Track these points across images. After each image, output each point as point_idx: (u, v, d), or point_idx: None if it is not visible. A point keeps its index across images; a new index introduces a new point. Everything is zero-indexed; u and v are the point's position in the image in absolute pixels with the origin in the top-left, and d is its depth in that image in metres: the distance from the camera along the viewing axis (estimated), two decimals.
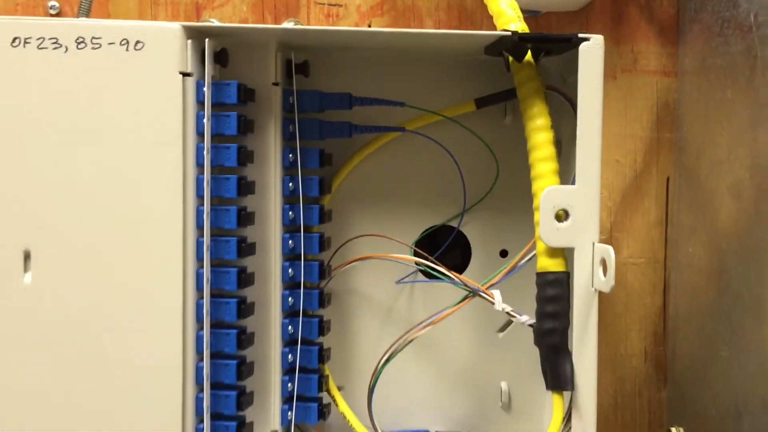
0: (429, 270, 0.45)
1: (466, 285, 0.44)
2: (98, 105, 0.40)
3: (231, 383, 0.42)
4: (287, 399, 0.45)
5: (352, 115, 0.47)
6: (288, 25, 0.52)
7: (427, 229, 0.49)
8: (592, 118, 0.41)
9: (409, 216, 0.49)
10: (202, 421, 0.41)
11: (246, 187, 0.42)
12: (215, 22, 0.44)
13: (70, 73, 0.39)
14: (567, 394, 0.42)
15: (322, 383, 0.46)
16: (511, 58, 0.43)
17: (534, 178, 0.42)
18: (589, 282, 0.41)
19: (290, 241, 0.44)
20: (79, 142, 0.40)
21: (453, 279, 0.44)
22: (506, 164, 0.49)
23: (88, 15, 0.45)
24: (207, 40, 0.40)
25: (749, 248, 0.45)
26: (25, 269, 0.40)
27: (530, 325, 0.43)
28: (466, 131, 0.48)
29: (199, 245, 0.41)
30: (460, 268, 0.49)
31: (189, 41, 0.40)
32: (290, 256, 0.45)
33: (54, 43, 0.39)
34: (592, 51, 0.41)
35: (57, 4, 0.46)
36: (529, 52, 0.43)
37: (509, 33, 0.41)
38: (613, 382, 0.57)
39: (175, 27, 0.40)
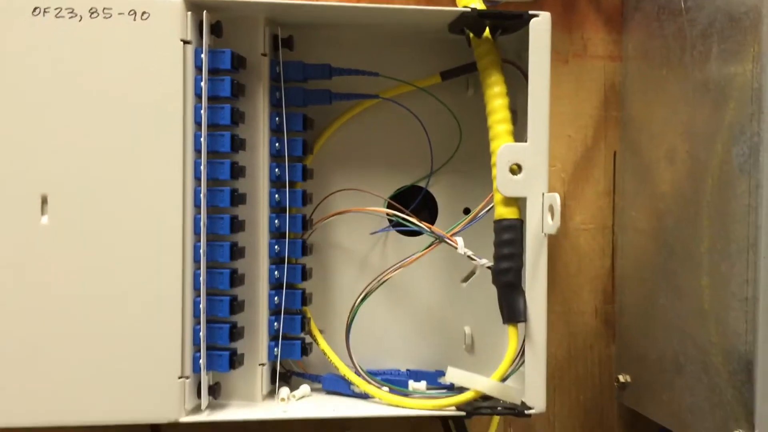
0: (400, 221, 0.51)
1: (432, 232, 0.50)
2: (108, 67, 0.45)
3: (225, 317, 0.47)
4: (273, 337, 0.50)
5: (332, 84, 0.52)
6: None
7: (398, 189, 0.54)
8: (541, 84, 0.47)
9: (383, 176, 0.54)
10: (199, 350, 0.46)
11: (238, 144, 0.48)
12: None
13: (83, 39, 0.44)
14: (521, 327, 0.48)
15: (304, 324, 0.51)
16: (471, 35, 0.49)
17: (492, 138, 0.48)
18: (540, 228, 0.47)
19: (276, 195, 0.50)
20: (91, 99, 0.45)
21: (422, 227, 0.50)
22: (468, 131, 0.54)
23: None
24: (204, 12, 0.46)
25: (681, 206, 0.51)
26: (42, 212, 0.45)
27: (488, 267, 0.49)
28: (433, 100, 0.53)
29: (196, 194, 0.46)
30: (428, 223, 0.55)
31: (189, 13, 0.45)
32: (276, 209, 0.50)
33: (70, 12, 0.44)
34: (540, 26, 0.47)
35: None
36: (488, 30, 0.49)
37: (469, 10, 0.47)
38: (566, 337, 0.61)
39: (177, 0, 0.45)
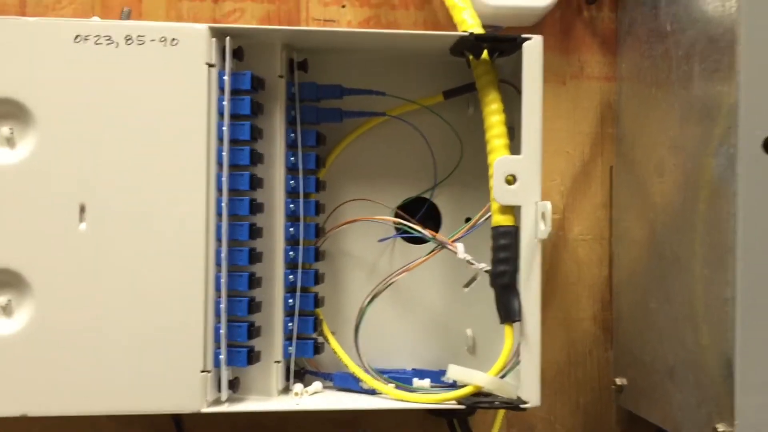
0: (406, 229, 0.55)
1: (435, 238, 0.53)
2: (141, 88, 0.49)
3: (243, 316, 0.51)
4: (288, 336, 0.54)
5: (342, 103, 0.56)
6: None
7: (404, 200, 0.58)
8: (534, 101, 0.50)
9: (390, 188, 0.58)
10: (219, 346, 0.50)
11: (257, 158, 0.52)
12: None
13: (119, 63, 0.49)
14: (517, 327, 0.51)
15: (317, 324, 0.55)
16: (471, 57, 0.53)
17: (489, 152, 0.52)
18: (533, 234, 0.51)
19: (291, 205, 0.54)
20: (125, 117, 0.49)
21: (425, 234, 0.54)
22: (469, 147, 0.58)
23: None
24: (227, 38, 0.50)
25: (671, 216, 0.53)
26: (81, 220, 0.49)
27: (486, 271, 0.52)
28: (437, 118, 0.57)
29: (218, 203, 0.50)
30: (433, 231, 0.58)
31: (213, 39, 0.49)
32: (291, 218, 0.54)
33: (108, 39, 0.49)
34: (533, 48, 0.50)
35: (129, 9, 0.55)
36: (486, 52, 0.53)
37: (468, 34, 0.51)
38: (566, 343, 0.64)
39: (203, 28, 0.49)
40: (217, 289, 0.50)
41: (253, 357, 0.51)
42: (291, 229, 0.54)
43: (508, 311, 0.51)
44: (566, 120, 0.64)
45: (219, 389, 0.50)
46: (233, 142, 0.51)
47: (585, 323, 0.64)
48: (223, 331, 0.50)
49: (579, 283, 0.64)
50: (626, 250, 0.61)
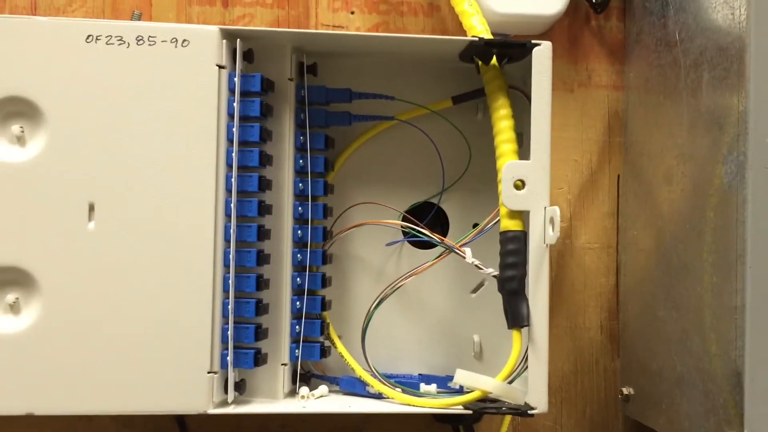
0: (414, 233, 0.55)
1: (443, 243, 0.53)
2: (151, 89, 0.49)
3: (251, 317, 0.51)
4: (295, 339, 0.54)
5: (351, 107, 0.56)
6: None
7: (412, 205, 0.58)
8: (543, 106, 0.50)
9: (398, 192, 0.58)
10: (227, 348, 0.50)
11: (266, 160, 0.52)
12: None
13: (130, 63, 0.49)
14: (525, 332, 0.51)
15: (324, 328, 0.55)
16: (480, 62, 0.53)
17: (498, 157, 0.52)
18: (542, 239, 0.51)
19: (300, 208, 0.54)
20: (135, 117, 0.49)
21: (433, 239, 0.54)
22: (478, 152, 0.58)
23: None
24: (238, 40, 0.50)
25: (678, 224, 0.53)
26: (90, 218, 0.49)
27: (494, 276, 0.52)
28: (445, 123, 0.57)
29: (227, 204, 0.50)
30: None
31: (224, 41, 0.50)
32: (299, 221, 0.54)
33: (119, 40, 0.49)
34: (542, 53, 0.51)
35: (140, 13, 0.56)
36: (495, 58, 0.53)
37: (477, 39, 0.51)
38: (573, 351, 0.64)
39: (214, 29, 0.50)
40: (225, 290, 0.50)
41: (259, 359, 0.51)
42: (299, 231, 0.54)
43: (516, 316, 0.51)
44: (574, 128, 0.64)
45: (225, 391, 0.50)
46: (242, 143, 0.51)
47: (591, 332, 0.64)
48: (230, 333, 0.50)
49: (585, 291, 0.64)
50: (633, 259, 0.61)
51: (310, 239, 0.54)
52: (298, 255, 0.54)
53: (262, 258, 0.51)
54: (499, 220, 0.52)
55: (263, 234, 0.52)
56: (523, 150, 0.53)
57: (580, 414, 0.64)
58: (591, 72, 0.65)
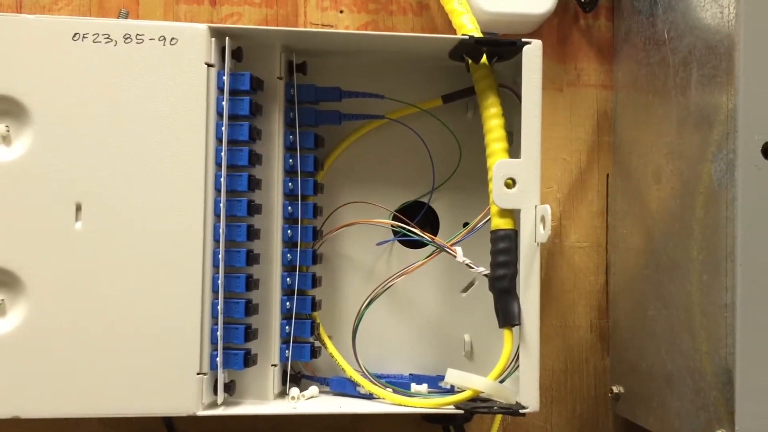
0: (404, 232, 0.55)
1: (434, 242, 0.53)
2: (139, 87, 0.49)
3: (240, 318, 0.50)
4: (285, 340, 0.53)
5: (341, 106, 0.56)
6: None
7: (402, 204, 0.58)
8: (533, 104, 0.50)
9: (388, 191, 0.58)
10: (216, 349, 0.49)
11: (255, 159, 0.51)
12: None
13: (117, 62, 0.49)
14: (516, 331, 0.51)
15: (314, 328, 0.55)
16: (470, 61, 0.53)
17: (488, 155, 0.52)
18: (532, 237, 0.50)
19: (289, 207, 0.54)
20: (123, 116, 0.49)
21: (424, 238, 0.54)
22: (468, 151, 0.58)
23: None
24: (227, 38, 0.50)
25: (668, 222, 0.53)
26: (77, 218, 0.49)
27: (485, 275, 0.52)
28: (435, 122, 0.57)
29: (216, 204, 0.50)
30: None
31: (213, 39, 0.49)
32: (289, 220, 0.54)
33: (106, 38, 0.49)
34: (533, 52, 0.51)
35: (126, 11, 0.55)
36: (485, 57, 0.53)
37: (467, 37, 0.51)
38: (563, 350, 0.64)
39: (203, 27, 0.49)
40: (215, 290, 0.50)
41: (249, 360, 0.51)
42: (289, 231, 0.53)
43: (508, 315, 0.50)
44: (563, 127, 0.65)
45: (215, 392, 0.50)
46: (231, 142, 0.50)
47: (581, 331, 0.64)
48: (219, 333, 0.49)
49: (575, 290, 0.64)
50: (623, 258, 0.62)
51: (299, 239, 0.54)
52: (288, 255, 0.53)
53: (252, 258, 0.51)
54: (489, 218, 0.52)
55: (252, 234, 0.51)
56: (514, 148, 0.53)
57: (570, 413, 0.64)
58: (580, 71, 0.65)
